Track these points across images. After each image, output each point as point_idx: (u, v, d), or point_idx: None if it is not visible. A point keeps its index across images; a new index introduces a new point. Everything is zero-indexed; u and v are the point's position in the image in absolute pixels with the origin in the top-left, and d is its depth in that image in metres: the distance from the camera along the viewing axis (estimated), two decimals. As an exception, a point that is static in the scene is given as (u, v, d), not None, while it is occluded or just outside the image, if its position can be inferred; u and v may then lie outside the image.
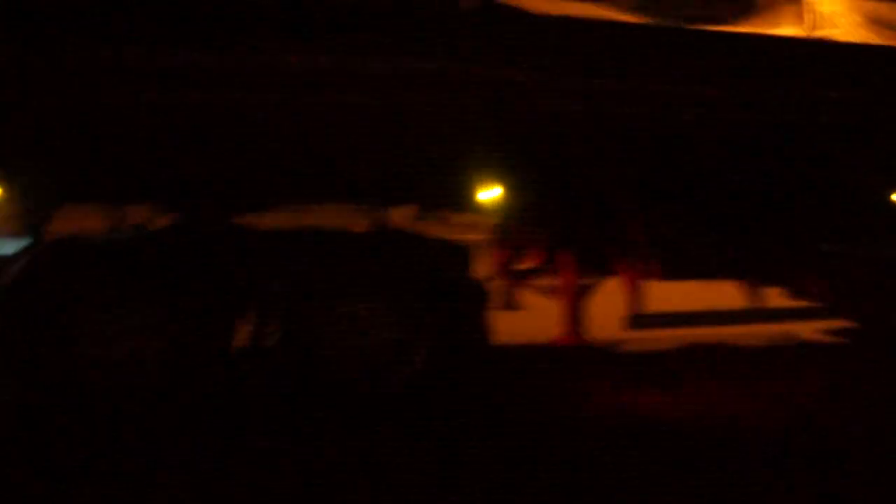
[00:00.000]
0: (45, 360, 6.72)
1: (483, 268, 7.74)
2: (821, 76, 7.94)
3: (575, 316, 8.28)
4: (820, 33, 8.45)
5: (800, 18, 8.54)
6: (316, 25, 6.73)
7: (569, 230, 8.19)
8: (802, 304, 8.55)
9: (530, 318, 8.18)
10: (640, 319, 7.94)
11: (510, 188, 7.49)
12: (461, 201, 7.39)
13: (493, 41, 7.05)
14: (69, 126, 6.54)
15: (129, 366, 6.80)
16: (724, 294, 8.32)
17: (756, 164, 7.84)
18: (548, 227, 8.16)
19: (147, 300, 6.83)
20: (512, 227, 7.89)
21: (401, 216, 7.49)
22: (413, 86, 6.86)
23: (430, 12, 6.94)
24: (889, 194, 8.36)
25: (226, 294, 7.00)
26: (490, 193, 7.48)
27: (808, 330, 8.79)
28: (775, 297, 8.54)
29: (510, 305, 8.41)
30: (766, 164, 7.85)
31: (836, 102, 7.99)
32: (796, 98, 7.85)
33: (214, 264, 7.01)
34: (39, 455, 6.17)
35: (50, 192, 6.95)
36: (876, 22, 8.52)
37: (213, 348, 6.99)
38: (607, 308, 8.09)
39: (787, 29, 8.41)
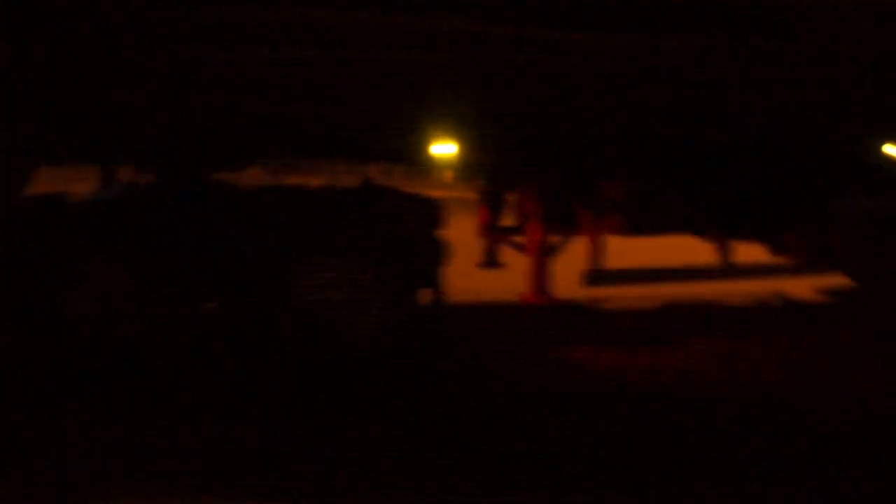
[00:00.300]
0: None
1: (450, 224, 7.64)
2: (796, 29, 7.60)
3: (542, 274, 8.28)
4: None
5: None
6: None
7: (537, 188, 8.16)
8: (781, 261, 8.48)
9: (499, 275, 8.25)
10: (606, 275, 7.86)
11: (473, 144, 7.37)
12: (422, 158, 7.29)
13: None
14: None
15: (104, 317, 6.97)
16: (699, 250, 8.27)
17: (732, 119, 7.65)
18: (515, 184, 8.17)
19: (124, 254, 6.97)
20: (478, 184, 7.93)
21: (366, 173, 7.49)
22: (374, 40, 6.75)
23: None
24: (870, 147, 8.09)
25: (198, 249, 7.06)
26: (450, 149, 7.33)
27: (786, 287, 8.73)
28: (755, 254, 8.52)
29: (478, 262, 8.58)
30: (741, 117, 7.64)
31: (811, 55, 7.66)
32: (766, 50, 7.54)
33: (189, 219, 7.08)
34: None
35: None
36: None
37: (187, 302, 7.12)
38: (574, 265, 8.06)
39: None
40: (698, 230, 8.08)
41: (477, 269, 8.75)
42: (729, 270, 8.18)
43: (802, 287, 9.03)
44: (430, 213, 7.47)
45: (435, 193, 7.65)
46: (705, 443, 5.62)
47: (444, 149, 7.26)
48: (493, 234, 8.61)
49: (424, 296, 7.36)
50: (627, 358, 7.37)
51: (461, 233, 8.26)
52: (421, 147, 7.17)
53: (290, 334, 7.01)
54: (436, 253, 7.40)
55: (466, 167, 7.80)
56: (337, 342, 7.09)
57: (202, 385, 6.50)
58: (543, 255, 8.28)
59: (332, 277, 7.08)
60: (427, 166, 7.55)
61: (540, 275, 8.32)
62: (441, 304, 7.43)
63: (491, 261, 8.71)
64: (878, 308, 8.31)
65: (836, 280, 8.97)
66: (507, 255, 8.89)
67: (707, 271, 8.15)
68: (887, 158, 8.05)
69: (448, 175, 7.73)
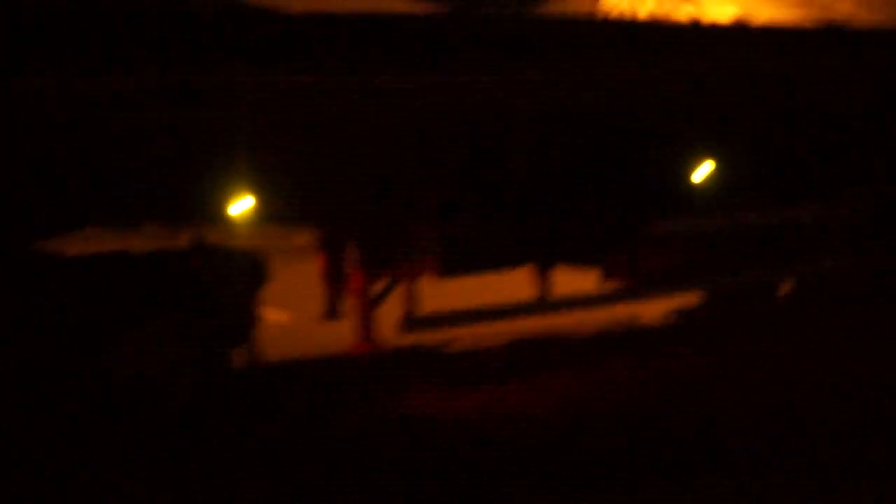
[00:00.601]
0: None
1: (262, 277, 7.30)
2: (611, 57, 7.64)
3: (368, 321, 7.86)
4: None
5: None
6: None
7: (349, 234, 7.81)
8: (608, 287, 8.33)
9: (339, 325, 7.84)
10: (422, 320, 7.50)
11: (277, 194, 7.04)
12: (218, 214, 6.92)
13: (244, 43, 6.62)
14: None
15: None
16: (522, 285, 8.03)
17: (538, 151, 7.55)
18: (331, 232, 7.83)
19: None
20: (295, 235, 7.54)
21: (170, 235, 7.12)
22: (161, 99, 6.46)
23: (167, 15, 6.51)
24: (691, 172, 8.13)
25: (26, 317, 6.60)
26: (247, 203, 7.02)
27: (617, 315, 8.58)
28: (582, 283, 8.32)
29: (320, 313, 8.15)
30: (546, 148, 7.56)
31: (641, 82, 7.74)
32: (584, 80, 7.52)
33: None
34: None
35: None
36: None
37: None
38: (394, 311, 7.72)
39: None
40: (515, 264, 7.83)
41: (318, 321, 8.33)
42: (554, 303, 7.95)
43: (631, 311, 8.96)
44: (247, 270, 7.13)
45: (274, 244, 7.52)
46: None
47: (242, 204, 6.95)
48: (331, 284, 8.15)
49: (242, 354, 7.09)
50: (464, 400, 7.15)
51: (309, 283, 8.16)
52: (220, 202, 6.85)
53: (114, 400, 6.69)
54: (252, 310, 7.14)
55: (282, 217, 7.52)
56: (156, 407, 6.79)
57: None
58: (368, 302, 7.87)
59: (152, 342, 6.78)
60: (235, 221, 7.04)
61: (365, 323, 7.90)
62: (259, 361, 7.16)
63: (332, 311, 8.21)
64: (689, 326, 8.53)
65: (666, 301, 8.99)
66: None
67: (532, 305, 7.89)
68: (696, 181, 8.13)
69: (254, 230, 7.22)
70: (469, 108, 7.24)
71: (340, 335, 8.14)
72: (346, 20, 6.95)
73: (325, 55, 6.80)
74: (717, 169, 8.08)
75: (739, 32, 8.18)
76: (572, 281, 8.22)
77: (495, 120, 7.36)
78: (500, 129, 7.38)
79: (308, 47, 6.76)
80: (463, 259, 7.45)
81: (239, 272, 7.07)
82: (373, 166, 7.12)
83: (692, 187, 8.05)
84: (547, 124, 7.49)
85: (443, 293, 8.10)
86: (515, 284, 8.28)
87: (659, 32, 7.96)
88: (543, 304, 7.78)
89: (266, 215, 7.02)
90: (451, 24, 7.29)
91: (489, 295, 8.19)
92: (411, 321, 7.41)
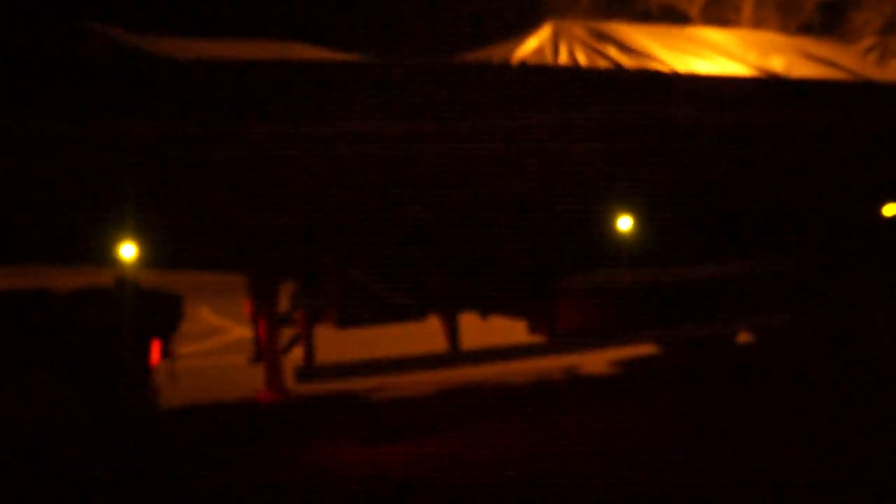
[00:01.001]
0: None
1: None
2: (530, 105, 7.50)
3: (275, 369, 7.81)
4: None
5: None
6: None
7: (250, 283, 7.78)
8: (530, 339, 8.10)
9: (220, 374, 7.70)
10: (318, 371, 7.29)
11: (165, 240, 6.94)
12: (106, 257, 6.82)
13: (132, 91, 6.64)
14: None
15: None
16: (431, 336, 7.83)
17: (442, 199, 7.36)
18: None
19: None
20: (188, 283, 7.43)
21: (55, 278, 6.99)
22: (51, 147, 6.45)
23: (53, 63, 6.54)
24: (611, 224, 7.89)
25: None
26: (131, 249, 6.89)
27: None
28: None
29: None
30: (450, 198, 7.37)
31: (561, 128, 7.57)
32: (499, 128, 7.37)
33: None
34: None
35: None
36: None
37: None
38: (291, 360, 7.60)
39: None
40: (417, 315, 7.62)
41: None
42: (462, 355, 7.72)
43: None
44: (150, 312, 6.96)
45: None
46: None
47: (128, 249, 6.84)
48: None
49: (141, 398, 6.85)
50: (386, 450, 7.00)
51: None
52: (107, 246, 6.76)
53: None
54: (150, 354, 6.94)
55: (175, 263, 7.35)
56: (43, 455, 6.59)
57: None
58: (275, 350, 7.80)
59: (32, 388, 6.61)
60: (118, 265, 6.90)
61: (272, 370, 7.83)
62: (158, 407, 6.97)
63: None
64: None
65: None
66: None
67: (438, 358, 7.66)
68: (618, 230, 7.91)
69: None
70: (373, 156, 7.11)
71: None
72: (239, 66, 6.95)
73: (215, 104, 6.74)
74: (641, 222, 7.87)
75: (664, 80, 8.02)
76: (507, 333, 8.09)
77: (401, 169, 7.21)
78: (406, 178, 7.24)
79: (199, 96, 6.71)
80: (361, 310, 7.29)
81: (139, 314, 6.86)
82: (269, 214, 6.96)
83: (612, 240, 7.81)
84: (454, 173, 7.31)
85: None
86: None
87: (582, 80, 7.81)
88: (452, 356, 7.55)
89: (154, 261, 6.91)
90: (356, 72, 7.22)
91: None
92: (305, 371, 7.19)
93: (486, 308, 7.78)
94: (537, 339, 8.00)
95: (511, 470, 6.47)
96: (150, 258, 6.79)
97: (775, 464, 6.45)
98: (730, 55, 8.67)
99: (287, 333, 7.76)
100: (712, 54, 8.64)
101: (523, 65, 7.80)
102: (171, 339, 7.36)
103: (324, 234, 7.19)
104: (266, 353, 7.71)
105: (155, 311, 7.01)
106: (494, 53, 8.18)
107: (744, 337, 9.51)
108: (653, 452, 6.71)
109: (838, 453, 6.62)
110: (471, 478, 6.37)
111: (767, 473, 6.29)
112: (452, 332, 7.53)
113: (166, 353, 7.25)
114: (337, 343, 7.91)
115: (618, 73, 7.94)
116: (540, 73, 7.81)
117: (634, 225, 7.84)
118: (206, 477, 6.58)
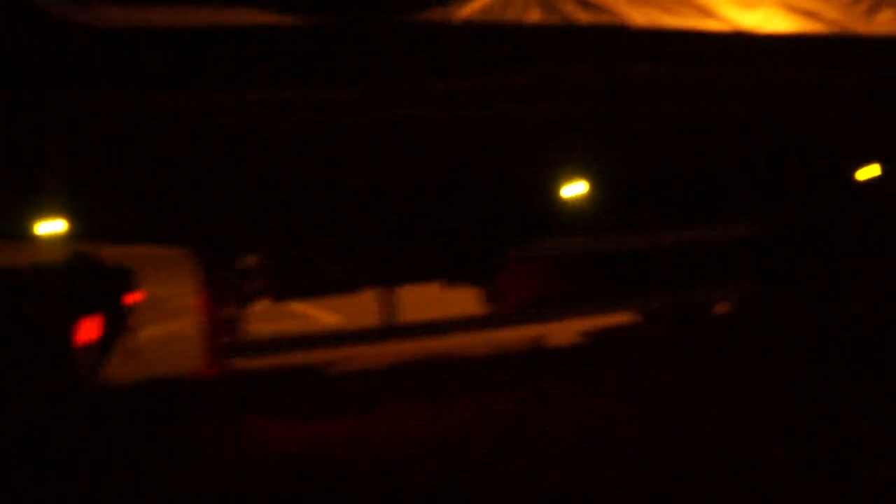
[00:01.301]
0: None
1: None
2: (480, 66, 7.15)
3: (214, 343, 7.50)
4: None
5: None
6: None
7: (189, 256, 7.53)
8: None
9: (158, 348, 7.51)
10: (249, 345, 7.14)
11: (94, 213, 6.84)
12: (28, 232, 6.70)
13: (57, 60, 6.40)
14: None
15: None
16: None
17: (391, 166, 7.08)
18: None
19: None
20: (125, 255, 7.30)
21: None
22: None
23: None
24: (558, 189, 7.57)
25: None
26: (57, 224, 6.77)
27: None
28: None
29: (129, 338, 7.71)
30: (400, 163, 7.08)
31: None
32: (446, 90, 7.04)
33: None
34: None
35: None
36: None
37: None
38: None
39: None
40: (355, 288, 7.40)
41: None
42: (401, 328, 7.48)
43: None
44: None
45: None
46: None
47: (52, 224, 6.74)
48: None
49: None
50: (324, 426, 6.82)
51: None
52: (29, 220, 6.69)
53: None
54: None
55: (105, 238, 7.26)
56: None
57: None
58: (213, 325, 7.52)
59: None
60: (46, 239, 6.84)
61: (210, 345, 7.57)
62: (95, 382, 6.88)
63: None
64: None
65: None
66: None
67: (375, 331, 7.44)
68: (570, 197, 7.56)
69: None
70: (308, 124, 6.85)
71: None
72: (162, 33, 6.65)
73: (138, 73, 6.51)
74: (595, 187, 7.51)
75: (619, 35, 7.58)
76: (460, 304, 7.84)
77: (338, 136, 6.95)
78: (343, 146, 6.96)
79: (123, 66, 6.47)
80: (296, 283, 7.06)
81: (60, 291, 6.72)
82: (201, 188, 6.82)
83: (563, 207, 7.51)
84: (395, 139, 7.04)
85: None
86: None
87: (526, 38, 7.41)
88: (388, 330, 7.30)
89: (81, 235, 6.77)
90: (288, 36, 6.91)
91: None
92: (236, 346, 7.02)
93: (425, 278, 7.49)
94: (483, 310, 7.71)
95: (453, 445, 6.25)
96: (81, 233, 6.68)
97: (752, 435, 6.13)
98: (701, 9, 8.21)
99: (227, 308, 7.57)
100: (681, 8, 8.18)
101: (464, 23, 7.43)
102: (122, 314, 7.28)
103: (259, 206, 7.00)
104: (203, 327, 7.50)
105: (84, 288, 6.86)
106: (442, 14, 7.82)
107: (723, 308, 9.15)
108: (612, 427, 6.43)
109: (818, 425, 6.27)
110: (409, 454, 6.16)
111: (745, 446, 5.96)
112: (390, 305, 7.26)
113: (116, 329, 7.17)
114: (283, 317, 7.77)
115: (565, 30, 7.52)
116: (482, 32, 7.45)
117: (589, 191, 7.50)
118: (134, 452, 6.42)
